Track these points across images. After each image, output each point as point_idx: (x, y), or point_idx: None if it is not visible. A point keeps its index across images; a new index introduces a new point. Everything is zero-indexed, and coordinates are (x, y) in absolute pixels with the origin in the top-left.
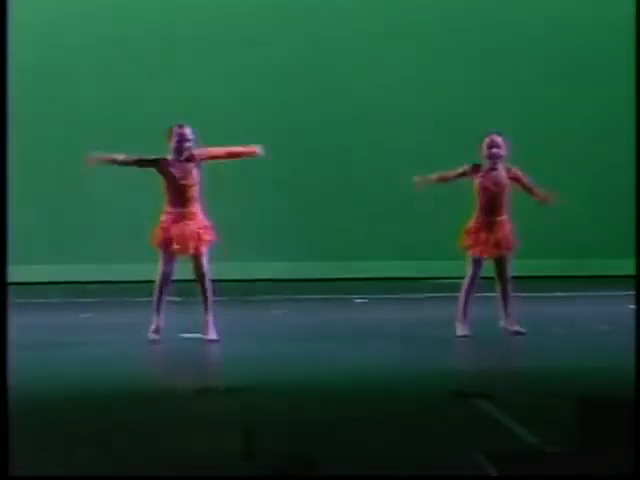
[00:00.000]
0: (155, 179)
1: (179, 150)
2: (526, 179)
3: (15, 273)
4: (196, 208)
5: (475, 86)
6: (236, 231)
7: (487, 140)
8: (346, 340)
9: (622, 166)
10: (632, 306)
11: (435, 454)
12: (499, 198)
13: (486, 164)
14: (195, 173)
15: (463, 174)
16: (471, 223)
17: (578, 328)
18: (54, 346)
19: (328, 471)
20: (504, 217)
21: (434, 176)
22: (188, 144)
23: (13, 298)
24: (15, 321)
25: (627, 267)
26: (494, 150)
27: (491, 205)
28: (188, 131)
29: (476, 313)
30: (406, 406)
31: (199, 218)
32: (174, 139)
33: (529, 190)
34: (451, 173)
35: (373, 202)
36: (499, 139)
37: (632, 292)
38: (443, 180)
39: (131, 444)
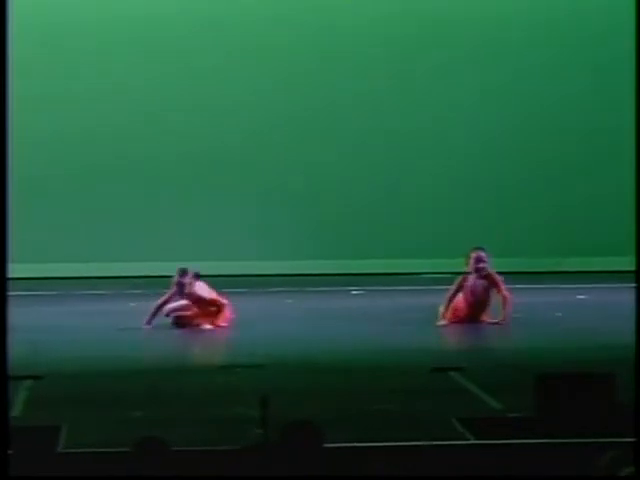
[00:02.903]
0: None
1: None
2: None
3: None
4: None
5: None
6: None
7: (474, 255)
8: (343, 323)
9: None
10: (580, 296)
11: (418, 419)
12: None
13: (473, 275)
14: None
15: (459, 289)
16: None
17: (536, 314)
18: (104, 329)
19: (331, 434)
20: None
21: (444, 309)
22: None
23: (72, 290)
24: (74, 309)
25: (577, 264)
26: (481, 265)
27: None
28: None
29: None
30: (394, 378)
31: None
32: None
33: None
34: (451, 294)
35: (371, 209)
36: (483, 254)
37: (579, 285)
38: (451, 302)
39: (164, 409)
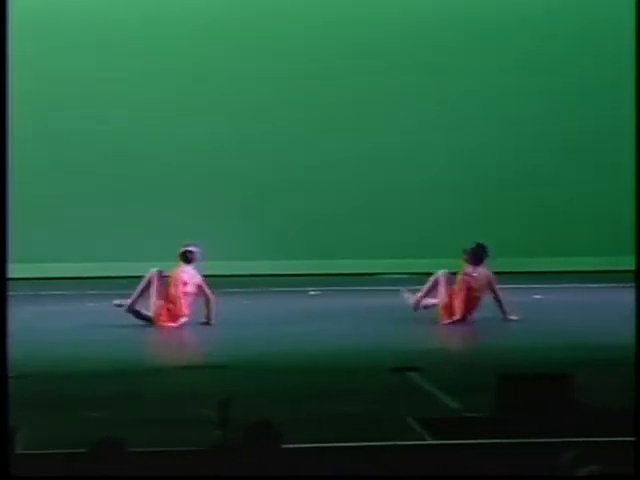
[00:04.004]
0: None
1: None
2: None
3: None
4: None
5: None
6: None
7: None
8: (301, 323)
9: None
10: (537, 296)
11: (377, 419)
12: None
13: (469, 268)
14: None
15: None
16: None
17: (495, 315)
18: (67, 330)
19: (288, 435)
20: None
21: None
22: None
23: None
24: (44, 309)
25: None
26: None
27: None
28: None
29: None
30: (354, 378)
31: None
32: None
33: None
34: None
35: (334, 210)
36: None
37: (537, 285)
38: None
39: (131, 409)
